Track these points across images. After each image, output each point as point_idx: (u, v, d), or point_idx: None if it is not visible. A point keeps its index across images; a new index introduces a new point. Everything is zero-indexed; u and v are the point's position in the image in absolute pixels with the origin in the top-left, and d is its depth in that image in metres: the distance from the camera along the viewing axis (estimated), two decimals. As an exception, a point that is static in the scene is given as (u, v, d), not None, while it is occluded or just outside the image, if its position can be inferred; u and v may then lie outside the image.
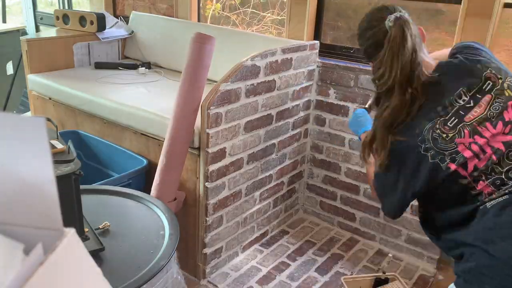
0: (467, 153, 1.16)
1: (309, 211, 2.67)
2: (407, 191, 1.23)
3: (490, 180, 1.15)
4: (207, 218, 1.98)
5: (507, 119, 1.17)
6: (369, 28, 1.27)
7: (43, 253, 0.40)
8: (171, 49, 2.90)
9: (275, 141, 2.27)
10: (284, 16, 2.77)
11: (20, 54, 2.82)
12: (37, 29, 3.86)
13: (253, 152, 2.14)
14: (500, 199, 1.12)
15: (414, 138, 1.19)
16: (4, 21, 4.07)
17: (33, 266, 0.38)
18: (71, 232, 0.43)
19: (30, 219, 0.43)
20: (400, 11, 1.23)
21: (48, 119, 1.29)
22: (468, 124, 1.17)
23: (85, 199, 1.32)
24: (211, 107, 1.81)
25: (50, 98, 2.59)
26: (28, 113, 3.25)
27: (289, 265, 2.23)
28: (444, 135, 1.17)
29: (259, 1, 3.31)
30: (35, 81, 2.66)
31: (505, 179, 1.14)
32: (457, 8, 1.97)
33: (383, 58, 1.20)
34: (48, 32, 3.17)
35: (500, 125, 1.17)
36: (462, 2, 1.91)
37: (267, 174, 2.28)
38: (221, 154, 1.95)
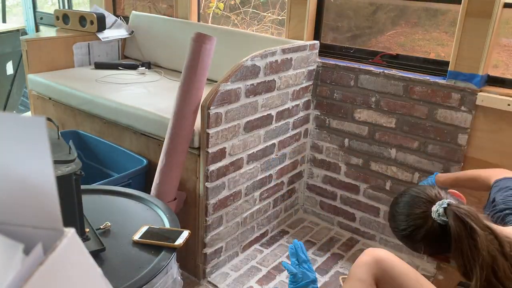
0: None
1: (309, 211, 2.67)
2: None
3: None
4: (207, 218, 1.98)
5: None
6: (415, 229, 1.07)
7: (43, 253, 0.40)
8: (171, 49, 2.90)
9: (275, 141, 2.27)
10: (284, 16, 2.77)
11: (20, 54, 2.82)
12: (37, 29, 3.86)
13: (253, 152, 2.13)
14: None
15: None
16: (4, 21, 4.07)
17: (33, 266, 0.38)
18: (71, 232, 0.43)
19: (30, 219, 0.43)
20: (442, 196, 1.01)
21: (49, 119, 1.29)
22: None
23: (85, 199, 1.32)
24: (211, 107, 1.81)
25: (50, 98, 2.59)
26: (28, 113, 3.25)
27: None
28: None
29: (259, 1, 3.31)
30: (35, 81, 2.65)
31: None
32: (457, 8, 1.97)
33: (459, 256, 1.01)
34: (48, 32, 3.17)
35: None
36: (462, 2, 1.91)
37: (267, 174, 2.28)
38: (221, 154, 1.95)
